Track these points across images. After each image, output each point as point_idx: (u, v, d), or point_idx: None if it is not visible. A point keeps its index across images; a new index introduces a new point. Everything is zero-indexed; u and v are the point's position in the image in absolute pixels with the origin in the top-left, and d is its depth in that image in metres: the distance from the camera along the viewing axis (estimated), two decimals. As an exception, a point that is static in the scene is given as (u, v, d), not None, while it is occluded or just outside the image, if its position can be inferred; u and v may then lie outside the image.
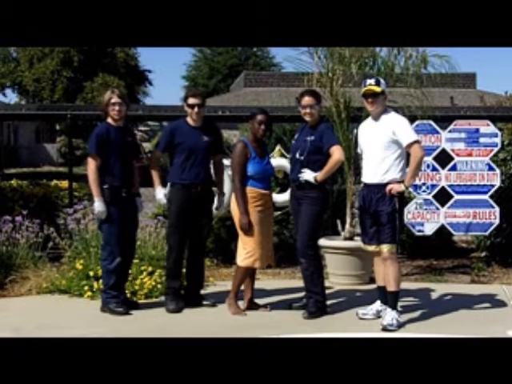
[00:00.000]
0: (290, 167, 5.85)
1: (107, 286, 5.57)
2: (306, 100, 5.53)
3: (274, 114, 7.84)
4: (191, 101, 5.71)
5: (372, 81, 5.27)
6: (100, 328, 5.12)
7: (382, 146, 5.19)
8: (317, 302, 5.48)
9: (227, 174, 6.53)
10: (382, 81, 5.33)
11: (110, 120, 5.59)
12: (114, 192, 5.51)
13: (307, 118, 5.56)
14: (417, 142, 5.17)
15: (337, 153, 5.39)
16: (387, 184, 5.16)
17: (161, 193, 5.70)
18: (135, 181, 5.73)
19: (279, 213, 7.63)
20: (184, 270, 5.93)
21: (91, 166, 5.46)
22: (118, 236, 5.51)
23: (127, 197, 5.60)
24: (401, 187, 5.14)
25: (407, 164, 5.23)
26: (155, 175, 5.76)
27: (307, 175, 5.41)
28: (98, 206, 5.42)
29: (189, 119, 5.79)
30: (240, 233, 5.54)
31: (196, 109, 5.69)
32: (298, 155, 5.54)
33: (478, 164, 7.18)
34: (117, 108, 5.53)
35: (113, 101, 5.53)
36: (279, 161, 7.62)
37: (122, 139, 5.59)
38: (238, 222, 5.47)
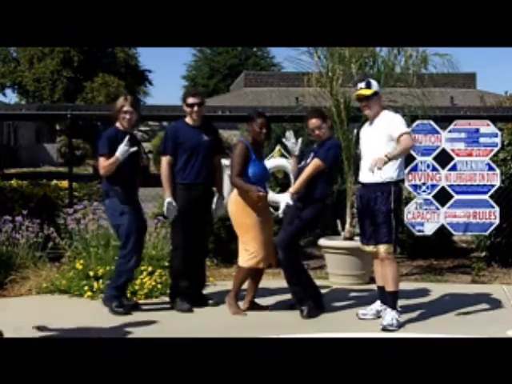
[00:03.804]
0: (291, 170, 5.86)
1: (115, 284, 5.58)
2: (313, 122, 5.54)
3: (274, 114, 7.85)
4: (191, 100, 5.70)
5: (362, 84, 5.25)
6: (100, 328, 5.12)
7: (378, 146, 5.17)
8: (302, 299, 5.47)
9: (227, 175, 6.52)
10: (372, 82, 5.28)
11: (118, 125, 5.62)
12: (128, 193, 5.57)
13: (317, 139, 5.59)
14: (407, 133, 5.14)
15: (309, 167, 5.42)
16: (383, 183, 5.14)
17: (171, 206, 5.58)
18: (137, 185, 5.80)
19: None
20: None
21: (103, 163, 5.50)
22: (136, 234, 5.53)
23: (136, 199, 5.70)
24: (383, 159, 4.94)
25: (405, 165, 5.22)
26: (169, 183, 5.63)
27: (282, 203, 5.38)
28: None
29: (188, 119, 5.77)
30: (241, 235, 5.54)
31: (196, 108, 5.68)
32: (301, 164, 5.61)
33: (478, 164, 7.18)
34: (128, 116, 5.58)
35: (125, 109, 5.57)
36: (279, 161, 7.62)
37: (130, 144, 5.63)
38: (253, 196, 5.41)
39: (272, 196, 6.86)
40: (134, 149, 5.52)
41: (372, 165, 4.97)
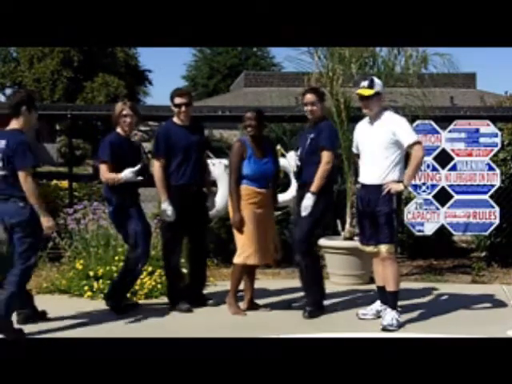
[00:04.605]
0: (292, 165, 5.84)
1: (118, 283, 5.61)
2: (308, 97, 5.54)
3: (274, 114, 7.84)
4: (178, 100, 5.65)
5: (365, 83, 5.23)
6: (100, 328, 5.12)
7: (380, 147, 5.17)
8: (314, 301, 5.49)
9: (226, 174, 6.51)
10: (376, 81, 5.26)
11: (119, 130, 5.60)
12: (131, 196, 5.56)
13: (309, 116, 5.58)
14: (418, 142, 5.18)
15: (325, 158, 5.38)
16: (384, 185, 5.15)
17: (169, 210, 5.56)
18: (138, 193, 5.78)
19: (279, 213, 7.61)
20: (185, 271, 5.95)
21: (105, 173, 5.47)
22: (143, 235, 5.53)
23: (138, 202, 5.69)
24: (399, 186, 5.13)
25: (406, 165, 5.23)
26: (164, 187, 5.59)
27: (306, 201, 5.36)
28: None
29: (176, 119, 5.73)
30: (234, 231, 5.55)
31: (183, 108, 5.63)
32: (299, 153, 5.58)
33: (478, 164, 7.18)
34: (128, 120, 5.53)
35: (124, 113, 5.53)
36: (279, 161, 7.61)
37: (130, 150, 5.63)
38: (231, 219, 5.47)
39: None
40: (140, 178, 5.47)
41: (385, 188, 5.09)
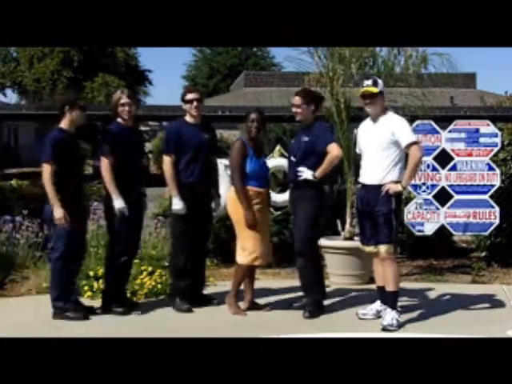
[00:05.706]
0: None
1: (112, 283, 5.62)
2: (294, 100, 5.58)
3: (274, 114, 7.84)
4: (190, 96, 5.69)
5: (369, 81, 5.26)
6: (100, 328, 5.12)
7: (380, 147, 5.18)
8: (315, 301, 5.49)
9: (226, 174, 6.51)
10: (379, 81, 5.31)
11: (120, 120, 5.59)
12: (131, 191, 5.53)
13: (296, 118, 5.62)
14: (415, 142, 5.18)
15: (334, 150, 5.40)
16: (384, 185, 5.15)
17: (180, 204, 5.58)
18: (142, 180, 5.76)
19: (279, 213, 7.61)
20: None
21: (105, 166, 5.44)
22: (127, 235, 5.54)
23: (138, 196, 5.67)
24: (398, 187, 5.13)
25: (405, 166, 5.23)
26: (175, 183, 5.61)
27: (305, 174, 5.40)
28: (118, 203, 5.40)
29: (188, 118, 5.76)
30: (239, 231, 5.54)
31: (195, 103, 5.66)
32: (292, 157, 5.58)
33: (478, 164, 7.17)
34: (127, 108, 5.54)
35: (122, 101, 5.54)
36: (279, 161, 7.62)
37: (133, 139, 5.64)
38: (244, 218, 5.42)
39: (275, 196, 6.87)
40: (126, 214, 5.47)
41: (384, 189, 5.09)
